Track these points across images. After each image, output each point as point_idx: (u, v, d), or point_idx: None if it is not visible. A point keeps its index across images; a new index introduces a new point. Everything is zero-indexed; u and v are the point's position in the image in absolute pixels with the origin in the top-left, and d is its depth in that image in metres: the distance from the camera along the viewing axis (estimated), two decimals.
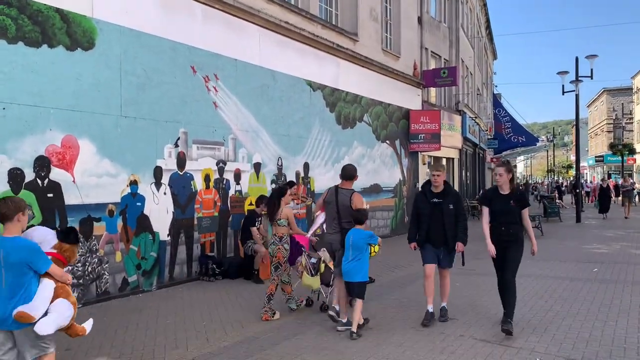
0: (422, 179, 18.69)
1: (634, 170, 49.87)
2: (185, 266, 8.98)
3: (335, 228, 6.19)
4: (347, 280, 5.84)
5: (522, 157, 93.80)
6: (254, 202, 10.05)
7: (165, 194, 8.59)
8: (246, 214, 9.96)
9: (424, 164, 18.87)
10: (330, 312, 6.11)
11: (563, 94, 23.02)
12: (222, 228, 9.77)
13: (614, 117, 59.26)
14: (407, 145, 17.42)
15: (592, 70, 21.51)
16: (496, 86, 56.54)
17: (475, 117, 24.81)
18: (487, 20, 36.02)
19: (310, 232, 7.14)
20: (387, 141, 16.18)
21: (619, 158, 44.74)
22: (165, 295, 8.08)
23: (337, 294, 6.25)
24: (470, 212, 23.18)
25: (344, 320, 5.95)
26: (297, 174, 11.87)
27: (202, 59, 9.30)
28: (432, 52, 20.11)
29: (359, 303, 5.77)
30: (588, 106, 74.38)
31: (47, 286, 3.69)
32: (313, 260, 6.72)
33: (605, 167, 57.97)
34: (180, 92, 8.85)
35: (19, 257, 3.59)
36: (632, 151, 46.30)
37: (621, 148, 44.13)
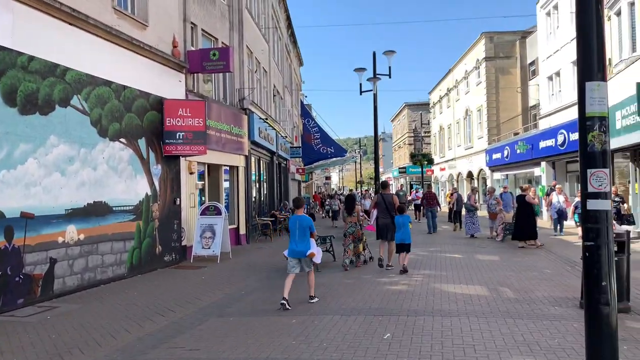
0: (188, 193, 14.11)
1: (432, 180, 51.68)
2: None
3: (386, 216, 11.69)
4: (403, 242, 10.93)
5: (336, 169, 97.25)
6: None
7: None
8: None
9: (191, 172, 14.28)
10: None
11: (361, 94, 20.50)
12: None
13: (414, 129, 61.76)
14: (159, 146, 12.69)
15: (390, 67, 19.28)
16: (306, 96, 55.06)
17: (267, 119, 20.99)
18: (288, 18, 32.98)
19: (372, 221, 13.05)
20: (123, 139, 11.26)
21: (419, 169, 45.57)
22: None
23: (383, 252, 11.63)
24: (261, 232, 19.32)
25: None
26: None
27: None
28: (203, 30, 15.74)
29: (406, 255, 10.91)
30: (392, 120, 77.50)
31: (313, 241, 8.22)
32: None
33: (407, 177, 59.82)
34: None
35: (306, 224, 8.13)
36: (430, 161, 47.58)
37: (420, 158, 44.83)
